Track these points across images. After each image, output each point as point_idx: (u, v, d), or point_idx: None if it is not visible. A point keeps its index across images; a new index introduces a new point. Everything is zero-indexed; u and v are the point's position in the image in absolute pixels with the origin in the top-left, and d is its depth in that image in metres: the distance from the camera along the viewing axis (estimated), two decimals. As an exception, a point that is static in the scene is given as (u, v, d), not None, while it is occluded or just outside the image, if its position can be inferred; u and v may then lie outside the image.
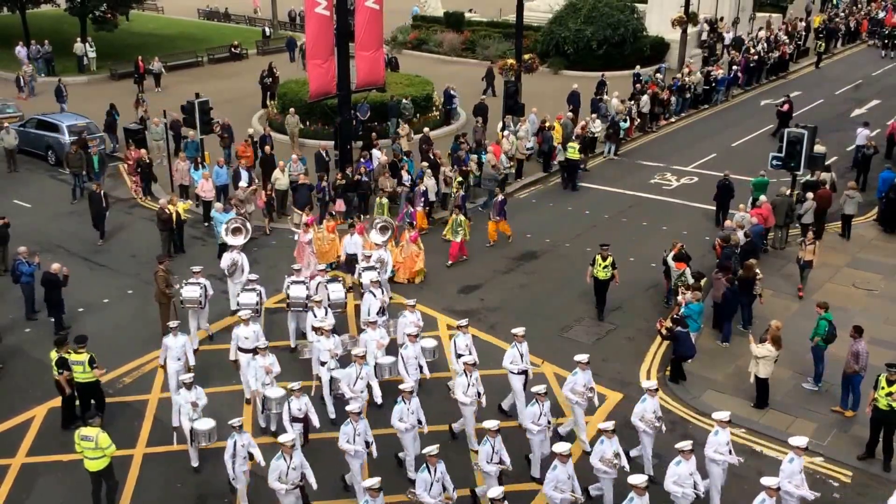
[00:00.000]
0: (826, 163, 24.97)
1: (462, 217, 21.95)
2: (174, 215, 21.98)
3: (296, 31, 51.26)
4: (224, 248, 21.52)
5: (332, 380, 15.21)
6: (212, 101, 26.57)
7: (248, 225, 19.93)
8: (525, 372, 15.20)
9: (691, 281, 18.42)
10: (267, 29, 50.95)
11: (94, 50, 42.10)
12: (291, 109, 30.10)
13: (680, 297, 17.68)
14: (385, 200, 23.23)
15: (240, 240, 19.39)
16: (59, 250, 22.38)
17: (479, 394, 14.35)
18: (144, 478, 14.13)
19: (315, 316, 16.35)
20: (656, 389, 13.84)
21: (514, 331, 15.22)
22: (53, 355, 15.05)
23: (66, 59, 41.53)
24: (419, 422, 13.72)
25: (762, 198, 22.49)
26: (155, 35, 50.77)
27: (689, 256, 19.28)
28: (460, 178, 24.91)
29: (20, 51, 40.78)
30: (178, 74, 41.70)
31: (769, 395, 15.90)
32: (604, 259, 18.65)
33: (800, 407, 15.98)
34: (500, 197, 23.12)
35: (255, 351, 15.12)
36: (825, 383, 16.46)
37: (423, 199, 23.52)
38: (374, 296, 17.30)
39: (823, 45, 45.16)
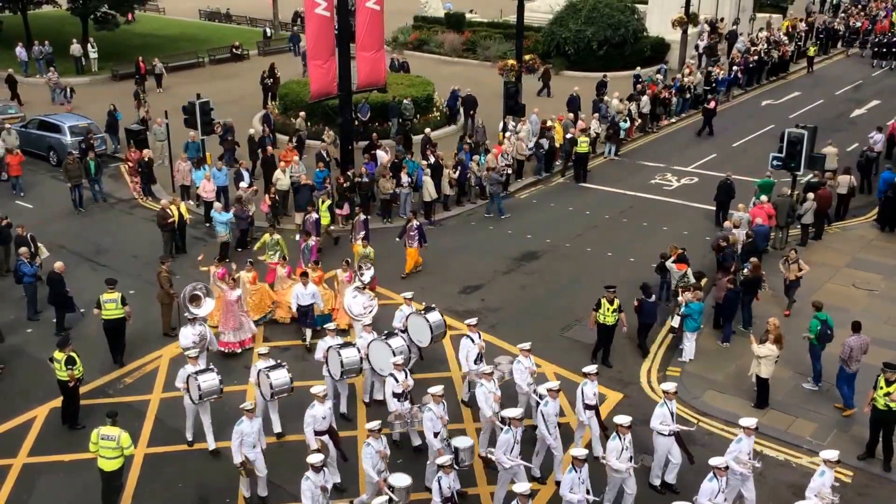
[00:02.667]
0: (825, 164, 25.03)
1: (370, 249, 19.71)
2: (176, 216, 21.99)
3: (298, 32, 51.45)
4: (226, 248, 21.60)
5: (457, 451, 12.98)
6: (213, 101, 26.61)
7: (211, 297, 17.08)
8: (677, 434, 13.48)
9: (693, 281, 18.47)
10: (268, 29, 51.04)
11: (95, 51, 42.12)
12: (302, 113, 29.85)
13: (680, 298, 17.71)
14: (277, 236, 20.18)
15: (203, 308, 16.71)
16: (62, 251, 22.39)
17: (631, 459, 12.71)
18: (145, 478, 14.15)
19: (397, 381, 14.12)
20: (755, 429, 12.77)
21: (663, 386, 13.72)
22: (60, 355, 15.02)
23: (67, 60, 41.54)
24: (588, 492, 12.31)
25: (763, 197, 22.52)
26: (156, 36, 50.83)
27: (687, 261, 19.31)
28: (454, 177, 25.10)
29: (20, 52, 40.83)
30: (180, 75, 41.75)
31: (769, 395, 15.93)
32: (611, 303, 16.69)
33: (800, 407, 16.00)
34: (416, 222, 21.07)
35: (329, 432, 13.49)
36: (825, 383, 16.48)
37: (317, 229, 21.23)
38: (472, 341, 15.35)
39: (814, 49, 44.28)
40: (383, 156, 26.08)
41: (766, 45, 42.44)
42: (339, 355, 14.84)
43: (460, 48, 46.41)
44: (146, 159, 26.41)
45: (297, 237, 21.15)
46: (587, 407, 14.00)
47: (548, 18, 44.87)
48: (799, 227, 22.98)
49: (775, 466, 14.25)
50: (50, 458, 14.64)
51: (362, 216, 21.39)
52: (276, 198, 23.86)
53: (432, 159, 25.08)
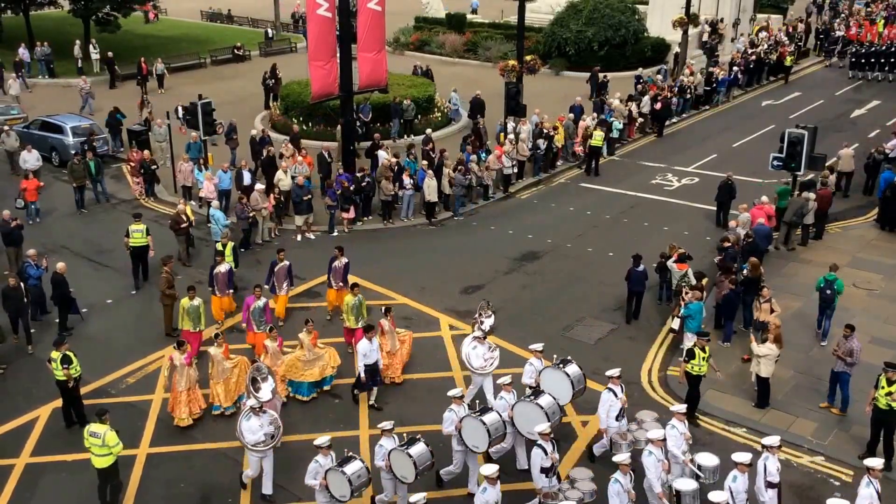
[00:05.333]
0: (827, 163, 25.09)
1: (358, 297, 17.40)
2: (193, 218, 22.14)
3: (298, 33, 51.51)
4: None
5: (700, 470, 12.09)
6: (214, 102, 26.66)
7: (269, 380, 14.46)
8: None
9: (694, 282, 18.52)
10: (269, 30, 51.10)
11: (97, 52, 42.17)
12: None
13: (682, 297, 17.74)
14: (198, 301, 17.14)
15: (264, 392, 14.12)
16: (64, 251, 22.48)
17: None
18: (147, 478, 14.20)
19: (546, 454, 12.37)
20: None
21: (868, 462, 12.07)
22: (56, 354, 15.12)
23: (68, 60, 41.61)
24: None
25: (764, 198, 22.54)
26: (158, 37, 50.94)
27: (689, 257, 19.36)
28: (454, 177, 25.15)
29: (23, 52, 40.89)
30: (181, 76, 41.82)
31: (770, 395, 15.97)
32: (703, 350, 15.20)
33: (801, 406, 16.04)
34: (344, 259, 18.84)
35: None
36: (823, 383, 16.49)
37: (230, 281, 18.95)
38: (615, 395, 13.73)
39: (791, 59, 42.25)
40: (385, 157, 26.11)
41: (766, 46, 42.45)
42: (483, 423, 12.66)
43: (461, 49, 46.49)
44: (149, 160, 26.45)
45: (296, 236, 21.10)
46: (770, 486, 12.29)
47: (549, 19, 44.96)
48: (800, 227, 23.01)
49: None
50: (52, 458, 14.69)
51: (286, 262, 18.84)
52: (281, 198, 23.90)
53: (425, 162, 25.10)
